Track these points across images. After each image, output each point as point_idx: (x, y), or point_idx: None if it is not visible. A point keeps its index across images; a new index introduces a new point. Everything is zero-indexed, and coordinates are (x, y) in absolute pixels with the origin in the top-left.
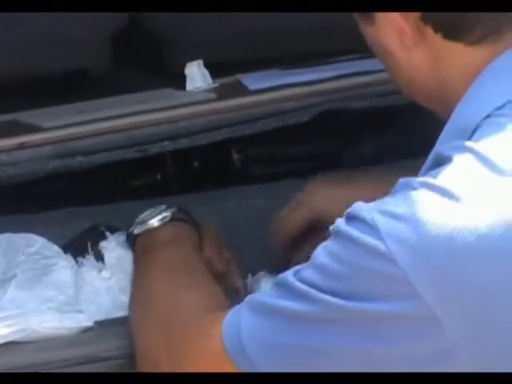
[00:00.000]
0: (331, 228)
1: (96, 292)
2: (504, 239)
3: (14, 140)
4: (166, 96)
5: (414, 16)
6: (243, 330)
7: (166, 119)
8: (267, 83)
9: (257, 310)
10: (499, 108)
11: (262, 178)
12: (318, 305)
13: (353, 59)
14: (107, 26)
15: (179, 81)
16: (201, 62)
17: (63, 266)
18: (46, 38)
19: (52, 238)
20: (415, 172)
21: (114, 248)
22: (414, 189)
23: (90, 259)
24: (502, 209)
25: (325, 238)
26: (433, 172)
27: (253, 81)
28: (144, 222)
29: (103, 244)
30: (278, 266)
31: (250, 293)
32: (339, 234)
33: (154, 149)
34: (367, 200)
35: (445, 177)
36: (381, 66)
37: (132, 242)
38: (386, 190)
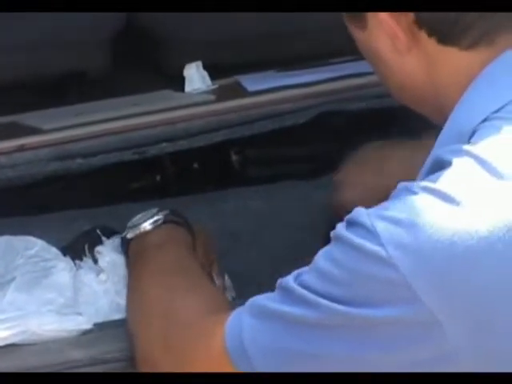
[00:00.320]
0: (332, 233)
1: (94, 294)
2: (504, 243)
3: (13, 142)
4: (165, 97)
5: (407, 20)
6: (245, 332)
7: (165, 121)
8: (266, 84)
9: (257, 314)
10: (496, 111)
11: (261, 179)
12: (317, 310)
13: (350, 61)
14: (105, 27)
15: (178, 82)
16: (200, 63)
17: (62, 268)
18: (43, 41)
19: (51, 241)
20: None
21: (107, 253)
22: (414, 193)
23: (87, 262)
24: (502, 213)
25: None
26: (432, 176)
27: (252, 82)
28: (136, 225)
29: (98, 248)
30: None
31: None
32: (339, 240)
33: (152, 151)
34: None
35: (445, 181)
36: None
37: (126, 246)
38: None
